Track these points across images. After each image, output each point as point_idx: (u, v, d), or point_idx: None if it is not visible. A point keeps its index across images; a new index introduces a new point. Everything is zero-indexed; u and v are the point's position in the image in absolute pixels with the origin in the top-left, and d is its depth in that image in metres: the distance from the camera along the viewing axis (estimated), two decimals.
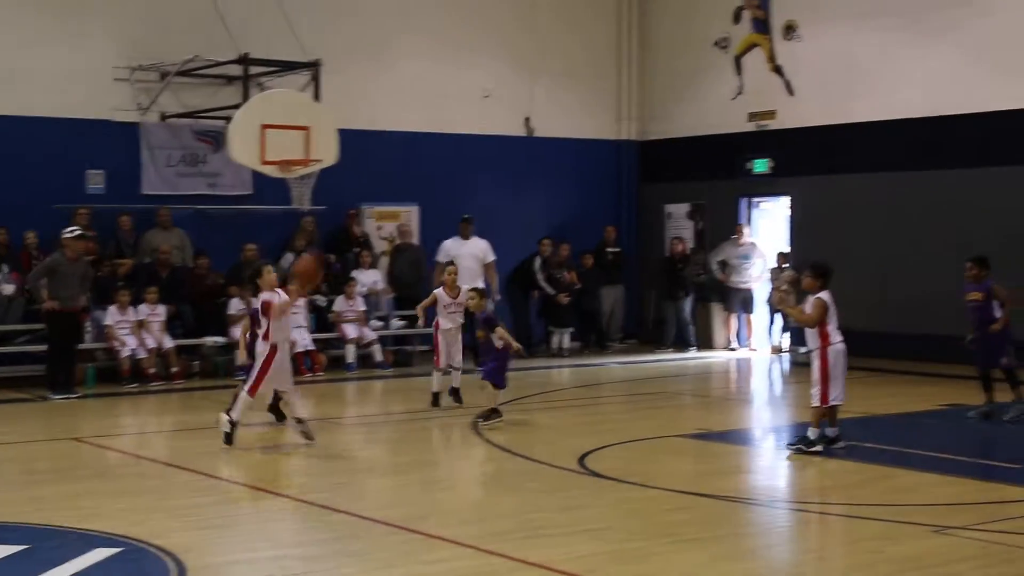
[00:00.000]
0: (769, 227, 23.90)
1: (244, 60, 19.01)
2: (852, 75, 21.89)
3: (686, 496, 10.93)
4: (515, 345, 14.87)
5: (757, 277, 23.23)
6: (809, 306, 12.87)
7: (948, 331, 20.29)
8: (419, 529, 9.59)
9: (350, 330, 20.31)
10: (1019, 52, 19.67)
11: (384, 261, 22.06)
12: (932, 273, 20.51)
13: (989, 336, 14.81)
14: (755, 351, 23.07)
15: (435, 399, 15.80)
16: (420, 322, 17.26)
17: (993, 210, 19.85)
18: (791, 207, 23.15)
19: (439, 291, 16.01)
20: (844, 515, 10.18)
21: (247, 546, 9.34)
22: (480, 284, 19.13)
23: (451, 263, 17.67)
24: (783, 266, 22.63)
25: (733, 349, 23.17)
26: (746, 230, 23.49)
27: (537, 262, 22.78)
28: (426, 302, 16.15)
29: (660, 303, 24.09)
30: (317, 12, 21.17)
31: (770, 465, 13.12)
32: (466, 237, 21.12)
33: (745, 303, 23.46)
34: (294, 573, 8.55)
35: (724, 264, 23.36)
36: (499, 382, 14.57)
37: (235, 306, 19.01)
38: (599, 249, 23.75)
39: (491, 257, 21.20)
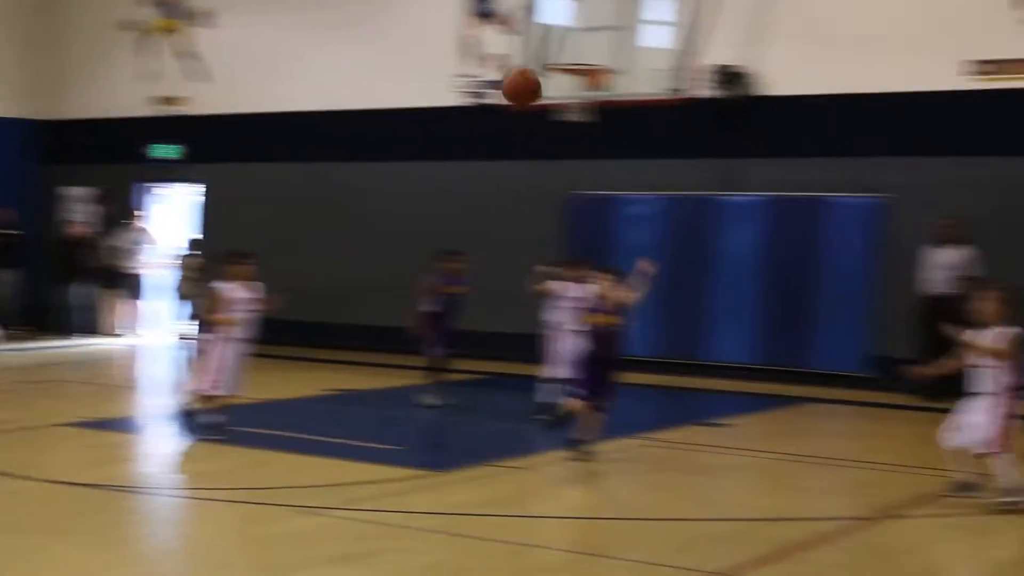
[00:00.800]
0: (176, 213, 23.74)
1: None
2: (264, 65, 22.21)
3: (62, 486, 10.67)
4: None
5: (150, 262, 22.95)
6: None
7: (342, 319, 21.15)
8: None
9: None
10: (422, 51, 20.67)
11: None
12: (333, 262, 21.23)
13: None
14: (148, 337, 22.81)
15: None
16: None
17: (399, 202, 20.80)
18: (204, 194, 23.12)
19: None
20: (223, 500, 10.28)
21: None
22: None
23: None
24: (193, 253, 22.52)
25: (123, 335, 22.77)
26: (142, 214, 23.19)
27: None
28: None
29: (57, 288, 23.36)
30: None
31: (156, 452, 13.04)
32: None
33: (138, 289, 23.10)
34: None
35: (117, 249, 22.92)
36: None
37: None
38: None
39: None
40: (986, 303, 10.17)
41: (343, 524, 9.23)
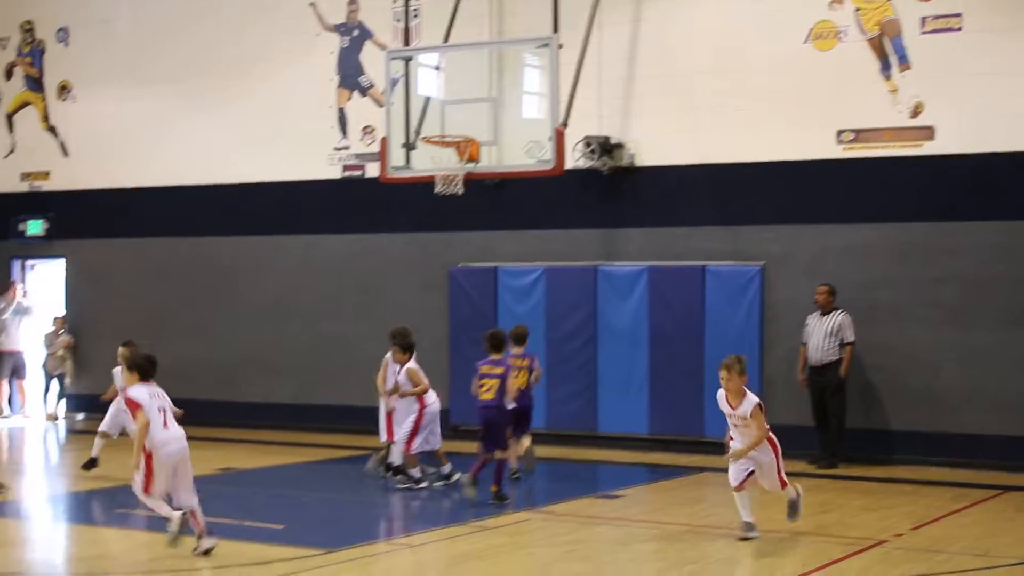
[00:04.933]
0: (45, 290, 23.24)
1: None
2: (126, 139, 21.92)
3: None
4: None
5: (29, 340, 22.47)
6: (403, 376, 14.43)
7: (222, 396, 20.84)
8: None
9: None
10: (294, 123, 20.58)
11: None
12: (209, 338, 20.94)
13: None
14: (28, 418, 22.24)
15: None
16: None
17: (275, 276, 20.63)
18: (66, 269, 22.68)
19: None
20: None
21: None
22: None
23: None
24: (59, 331, 22.10)
25: (6, 416, 22.21)
26: (19, 288, 22.69)
27: None
28: None
29: None
30: None
31: (42, 537, 12.66)
32: None
33: (17, 368, 22.56)
34: None
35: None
36: None
37: None
38: None
39: None
40: None
41: None
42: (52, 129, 22.67)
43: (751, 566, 11.06)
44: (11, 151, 23.03)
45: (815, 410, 16.74)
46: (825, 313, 16.72)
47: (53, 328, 22.19)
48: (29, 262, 23.33)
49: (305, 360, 20.40)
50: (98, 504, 14.06)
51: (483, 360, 13.97)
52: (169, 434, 10.91)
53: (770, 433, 11.66)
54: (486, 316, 18.94)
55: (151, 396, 10.96)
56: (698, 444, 17.49)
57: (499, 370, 13.77)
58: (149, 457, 10.73)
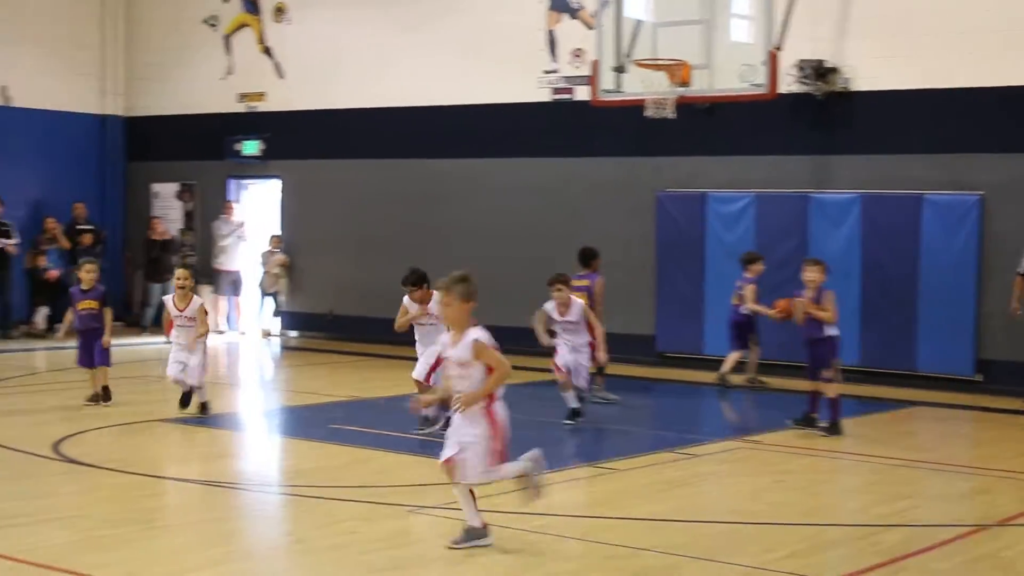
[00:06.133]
0: (259, 209, 23.81)
1: None
2: (339, 61, 22.19)
3: (166, 481, 10.71)
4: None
5: (246, 259, 23.10)
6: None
7: None
8: None
9: None
10: (503, 46, 20.54)
11: None
12: (416, 260, 21.15)
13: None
14: (244, 334, 22.92)
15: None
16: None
17: (483, 199, 20.74)
18: (282, 190, 23.19)
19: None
20: (325, 497, 10.25)
21: None
22: None
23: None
24: (275, 250, 22.64)
25: (222, 332, 22.93)
26: (235, 207, 23.31)
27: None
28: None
29: (144, 284, 23.50)
30: None
31: (256, 449, 13.07)
32: None
33: (235, 285, 23.24)
34: None
35: (213, 246, 23.03)
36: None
37: None
38: (70, 227, 22.82)
39: None
40: None
41: (451, 524, 9.15)
42: (268, 51, 23.10)
43: (967, 504, 10.80)
44: (228, 72, 23.54)
45: None
46: None
47: (269, 247, 22.75)
48: (244, 182, 23.90)
49: (510, 284, 20.50)
50: (311, 419, 14.41)
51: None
52: None
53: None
54: (694, 242, 18.77)
55: None
56: (910, 377, 17.13)
57: None
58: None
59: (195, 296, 14.22)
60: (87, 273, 14.44)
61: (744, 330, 17.02)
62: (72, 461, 11.31)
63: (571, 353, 14.07)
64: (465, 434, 8.54)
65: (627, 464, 11.90)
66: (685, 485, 11.20)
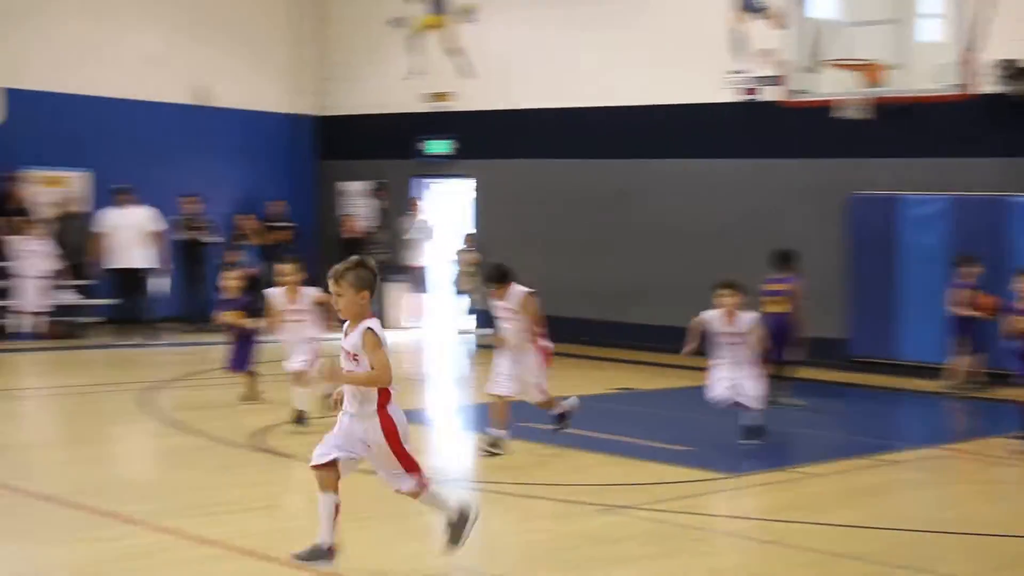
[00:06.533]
0: (448, 208, 24.01)
1: None
2: (525, 61, 22.29)
3: (358, 475, 10.83)
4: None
5: (430, 256, 23.33)
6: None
7: (614, 318, 21.10)
8: (89, 506, 9.21)
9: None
10: (691, 47, 20.38)
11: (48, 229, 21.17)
12: (603, 260, 21.22)
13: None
14: (433, 330, 23.13)
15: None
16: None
17: (672, 200, 20.65)
18: (476, 189, 23.36)
19: None
20: (519, 495, 10.30)
21: None
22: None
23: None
24: (468, 248, 22.79)
25: (409, 328, 23.13)
26: (420, 205, 23.58)
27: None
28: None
29: None
30: None
31: (448, 445, 13.20)
32: (123, 207, 20.84)
33: (419, 283, 23.49)
34: None
35: (401, 242, 23.32)
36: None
37: None
38: (264, 224, 23.33)
39: (157, 226, 20.86)
40: None
41: (645, 524, 9.15)
42: (455, 50, 23.31)
43: None
44: (416, 72, 23.78)
45: None
46: None
47: (463, 245, 22.91)
48: (430, 181, 24.15)
49: (693, 285, 20.33)
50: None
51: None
52: None
53: None
54: (886, 246, 18.40)
55: None
56: None
57: None
58: None
59: (303, 289, 13.38)
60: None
61: (967, 333, 16.51)
62: (270, 452, 11.58)
63: (731, 371, 12.45)
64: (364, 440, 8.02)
65: (823, 468, 11.73)
66: (882, 493, 10.97)
